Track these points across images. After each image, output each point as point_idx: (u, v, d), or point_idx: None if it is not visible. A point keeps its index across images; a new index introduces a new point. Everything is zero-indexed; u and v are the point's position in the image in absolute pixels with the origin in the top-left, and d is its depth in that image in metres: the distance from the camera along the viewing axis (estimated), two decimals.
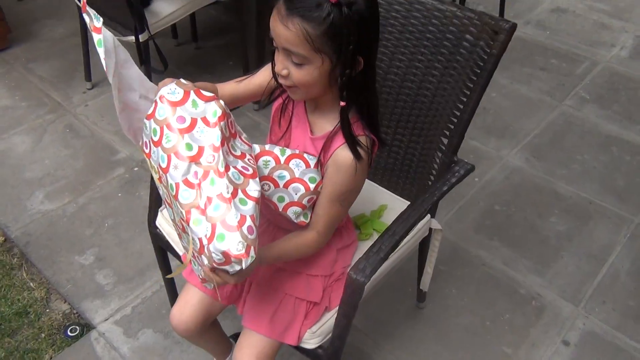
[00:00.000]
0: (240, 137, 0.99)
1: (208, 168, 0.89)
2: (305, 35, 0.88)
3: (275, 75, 1.01)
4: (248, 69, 2.46)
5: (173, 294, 1.60)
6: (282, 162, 1.01)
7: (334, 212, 1.06)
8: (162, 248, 1.43)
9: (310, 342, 1.14)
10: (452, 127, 1.27)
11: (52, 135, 2.35)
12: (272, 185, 1.03)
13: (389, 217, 1.36)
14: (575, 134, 2.41)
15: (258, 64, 2.39)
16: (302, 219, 1.08)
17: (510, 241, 1.94)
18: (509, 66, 2.76)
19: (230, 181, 0.89)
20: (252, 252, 0.87)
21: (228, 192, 0.88)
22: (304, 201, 1.05)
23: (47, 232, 1.95)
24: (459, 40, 1.21)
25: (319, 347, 1.15)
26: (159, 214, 1.37)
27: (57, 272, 1.82)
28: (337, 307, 1.11)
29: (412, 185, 1.45)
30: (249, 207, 0.89)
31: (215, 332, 1.36)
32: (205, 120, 0.91)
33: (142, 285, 1.78)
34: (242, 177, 0.92)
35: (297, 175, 1.03)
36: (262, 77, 1.13)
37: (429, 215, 1.39)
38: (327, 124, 1.03)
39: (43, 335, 1.65)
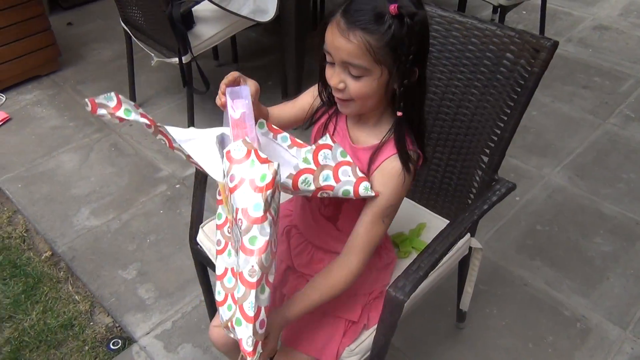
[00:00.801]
0: (277, 189, 0.91)
1: (228, 239, 0.86)
2: (367, 47, 0.90)
3: (321, 92, 1.02)
4: (287, 89, 2.50)
5: (212, 309, 1.62)
6: (315, 168, 0.97)
7: (376, 231, 1.03)
8: (203, 264, 1.46)
9: None
10: (493, 145, 1.26)
11: (98, 154, 2.43)
12: (329, 192, 0.99)
13: (427, 236, 1.36)
14: (620, 152, 2.35)
15: (296, 83, 2.43)
16: (371, 190, 1.00)
17: (553, 261, 1.90)
18: (550, 84, 2.72)
19: (261, 265, 0.84)
20: (259, 349, 0.85)
21: (253, 277, 0.83)
22: (359, 173, 1.00)
23: (92, 247, 2.01)
24: (499, 59, 1.21)
25: None
26: (200, 230, 1.40)
27: (101, 286, 1.87)
28: (376, 325, 1.11)
29: (451, 203, 1.44)
30: (265, 295, 0.86)
31: None
32: (252, 183, 0.85)
33: (182, 300, 1.81)
34: (270, 259, 0.86)
35: (334, 164, 0.99)
36: (304, 100, 1.15)
37: (468, 234, 1.38)
38: (370, 137, 1.04)
39: (87, 347, 1.69)
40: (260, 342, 0.86)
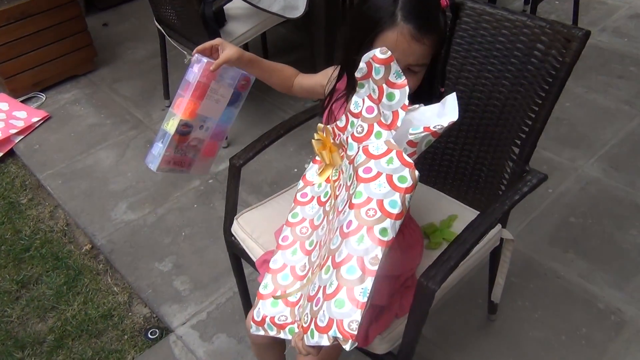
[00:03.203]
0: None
1: (363, 223, 0.89)
2: (435, 44, 0.97)
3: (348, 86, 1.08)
4: None
5: (246, 300, 1.66)
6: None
7: None
8: (237, 255, 1.49)
9: (380, 347, 1.16)
10: (524, 136, 1.26)
11: (134, 150, 2.50)
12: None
13: (458, 227, 1.36)
14: None
15: None
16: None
17: (587, 254, 1.88)
18: (584, 75, 2.67)
19: (378, 258, 0.87)
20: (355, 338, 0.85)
21: (374, 266, 0.86)
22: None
23: (130, 241, 2.07)
24: (529, 50, 1.21)
25: (389, 353, 1.17)
26: (235, 221, 1.44)
27: (138, 278, 1.93)
28: (407, 314, 1.12)
29: (482, 195, 1.44)
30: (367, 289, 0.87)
31: (280, 348, 1.38)
32: (389, 179, 0.90)
33: (216, 292, 1.86)
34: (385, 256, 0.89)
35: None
36: (321, 77, 1.25)
37: (499, 224, 1.38)
38: None
39: (126, 337, 1.75)
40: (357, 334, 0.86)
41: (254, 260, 1.35)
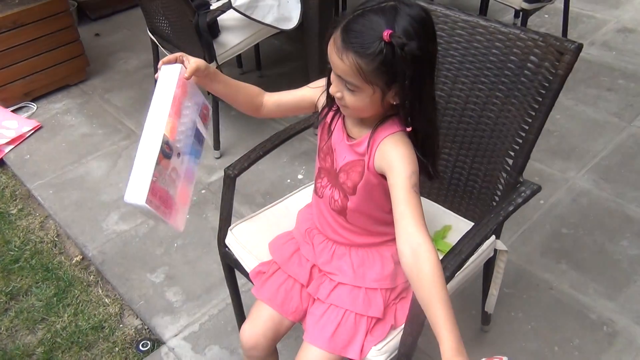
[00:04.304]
0: None
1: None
2: (358, 69, 0.94)
3: (328, 91, 1.08)
4: None
5: (239, 311, 1.65)
6: None
7: (415, 203, 0.98)
8: (231, 266, 1.48)
9: (375, 359, 1.15)
10: (517, 147, 1.27)
11: (126, 161, 2.48)
12: None
13: (453, 238, 1.37)
14: None
15: None
16: None
17: (579, 265, 1.89)
18: (574, 87, 2.71)
19: None
20: None
21: None
22: None
23: (121, 252, 2.06)
24: (523, 62, 1.22)
25: None
26: (229, 232, 1.43)
27: (130, 289, 1.91)
28: (403, 325, 1.12)
29: (475, 206, 1.45)
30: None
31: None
32: None
33: (209, 303, 1.84)
34: None
35: None
36: (303, 91, 1.23)
37: (494, 235, 1.38)
38: (365, 131, 1.09)
39: (117, 349, 1.73)
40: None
41: (248, 271, 1.34)
